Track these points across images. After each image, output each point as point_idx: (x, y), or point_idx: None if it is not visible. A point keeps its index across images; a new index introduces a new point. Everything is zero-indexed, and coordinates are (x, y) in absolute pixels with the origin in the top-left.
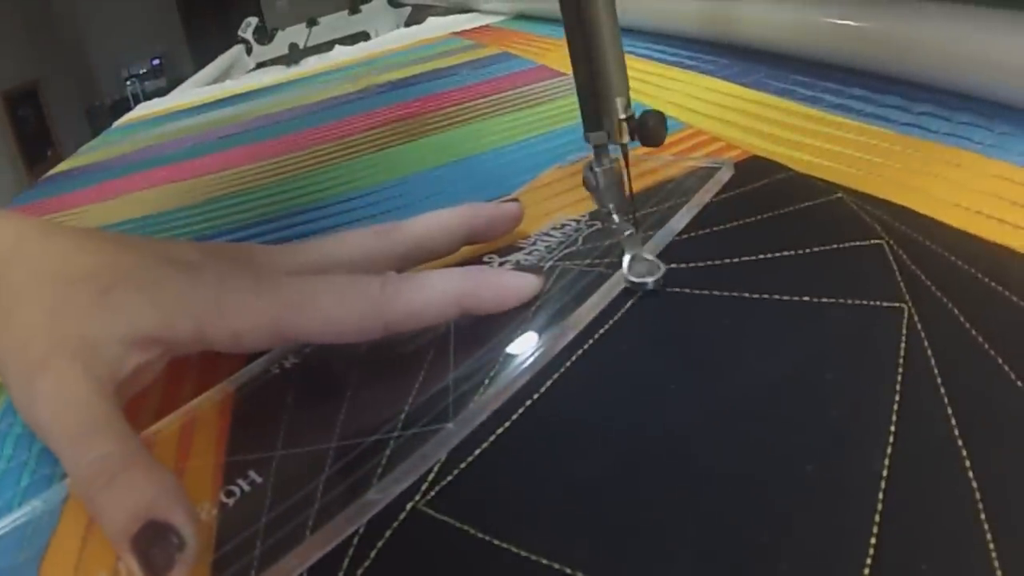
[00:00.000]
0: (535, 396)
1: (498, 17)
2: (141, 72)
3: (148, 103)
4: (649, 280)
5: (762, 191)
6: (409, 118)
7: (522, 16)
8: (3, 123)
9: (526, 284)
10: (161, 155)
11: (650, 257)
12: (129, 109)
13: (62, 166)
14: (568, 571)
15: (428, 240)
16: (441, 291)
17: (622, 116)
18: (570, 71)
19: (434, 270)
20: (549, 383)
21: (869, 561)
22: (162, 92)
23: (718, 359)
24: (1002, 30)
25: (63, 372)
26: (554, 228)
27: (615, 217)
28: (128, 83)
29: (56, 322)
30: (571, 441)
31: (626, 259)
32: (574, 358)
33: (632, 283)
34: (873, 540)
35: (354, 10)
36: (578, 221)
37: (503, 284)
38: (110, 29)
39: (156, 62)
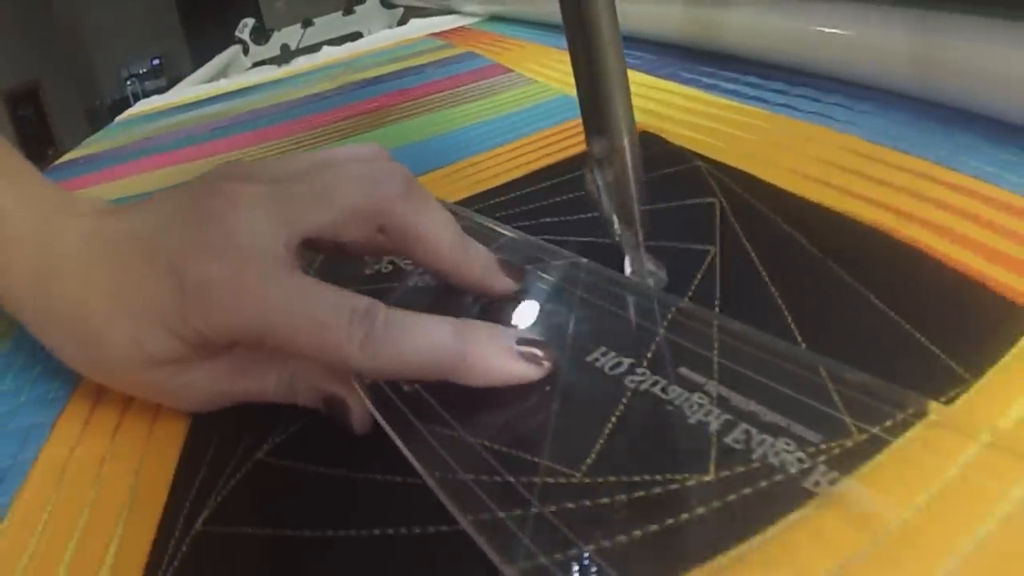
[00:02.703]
0: None
1: (474, 19)
2: (141, 72)
3: (146, 100)
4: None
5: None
6: (376, 111)
7: (497, 18)
8: (4, 123)
9: (518, 373)
10: (159, 145)
11: (652, 267)
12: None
13: (65, 157)
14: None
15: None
16: (430, 349)
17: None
18: (518, 67)
19: (425, 317)
20: None
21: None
22: (161, 91)
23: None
24: (863, 19)
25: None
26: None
27: (616, 226)
28: (128, 83)
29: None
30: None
31: (627, 266)
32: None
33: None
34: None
35: (348, 11)
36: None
37: (493, 367)
38: (110, 29)
39: (156, 62)
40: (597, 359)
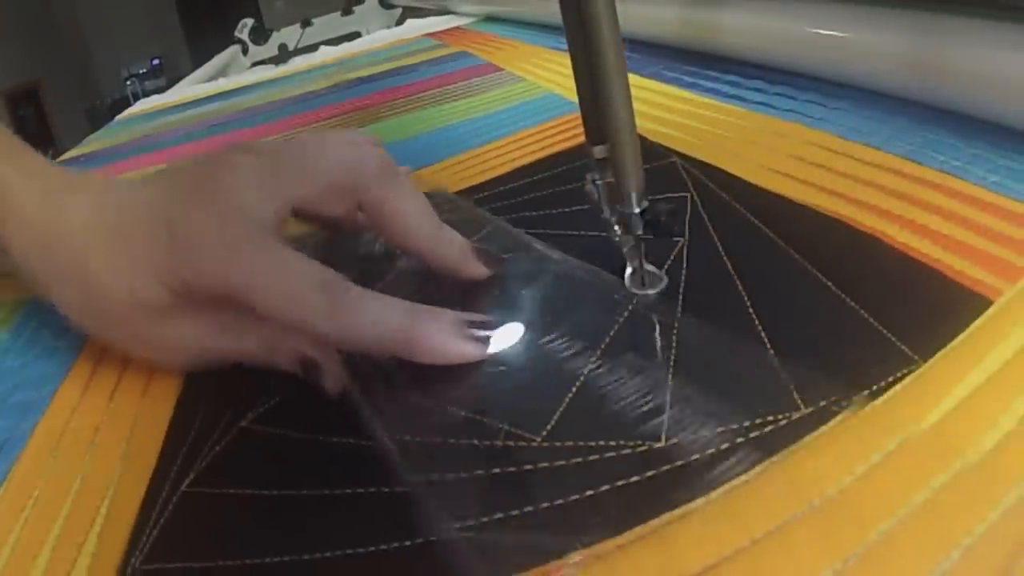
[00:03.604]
0: None
1: (470, 19)
2: (141, 72)
3: (146, 99)
4: (651, 292)
5: None
6: (369, 107)
7: (492, 18)
8: (4, 123)
9: (462, 352)
10: (158, 142)
11: (652, 269)
12: None
13: (65, 155)
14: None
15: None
16: (381, 326)
17: (636, 210)
18: (509, 66)
19: (382, 296)
20: None
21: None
22: (161, 91)
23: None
24: (837, 19)
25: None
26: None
27: (617, 229)
28: (128, 83)
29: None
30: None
31: (628, 270)
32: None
33: (634, 295)
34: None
35: (347, 11)
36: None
37: (438, 347)
38: (110, 29)
39: (156, 62)
40: (553, 341)
